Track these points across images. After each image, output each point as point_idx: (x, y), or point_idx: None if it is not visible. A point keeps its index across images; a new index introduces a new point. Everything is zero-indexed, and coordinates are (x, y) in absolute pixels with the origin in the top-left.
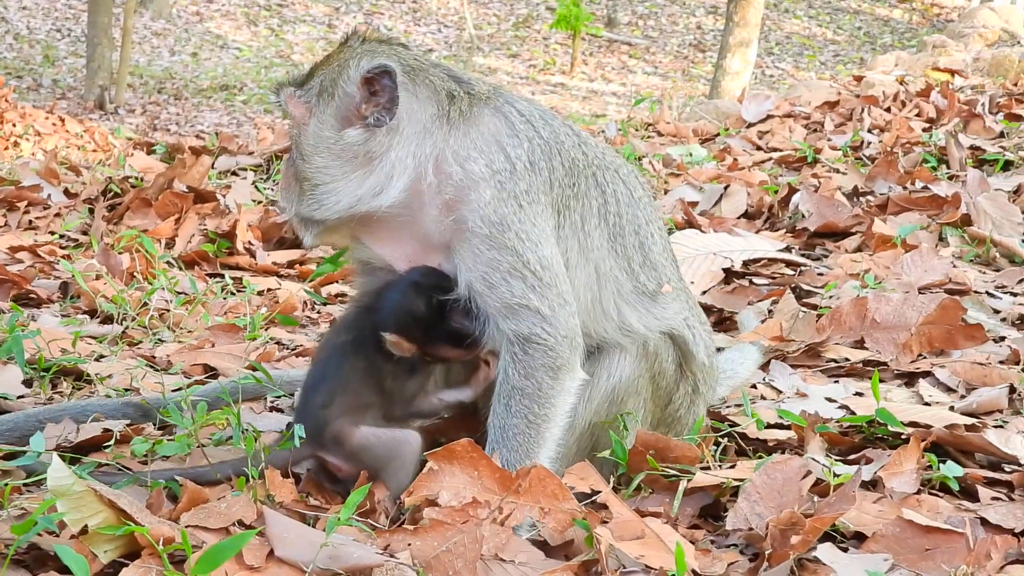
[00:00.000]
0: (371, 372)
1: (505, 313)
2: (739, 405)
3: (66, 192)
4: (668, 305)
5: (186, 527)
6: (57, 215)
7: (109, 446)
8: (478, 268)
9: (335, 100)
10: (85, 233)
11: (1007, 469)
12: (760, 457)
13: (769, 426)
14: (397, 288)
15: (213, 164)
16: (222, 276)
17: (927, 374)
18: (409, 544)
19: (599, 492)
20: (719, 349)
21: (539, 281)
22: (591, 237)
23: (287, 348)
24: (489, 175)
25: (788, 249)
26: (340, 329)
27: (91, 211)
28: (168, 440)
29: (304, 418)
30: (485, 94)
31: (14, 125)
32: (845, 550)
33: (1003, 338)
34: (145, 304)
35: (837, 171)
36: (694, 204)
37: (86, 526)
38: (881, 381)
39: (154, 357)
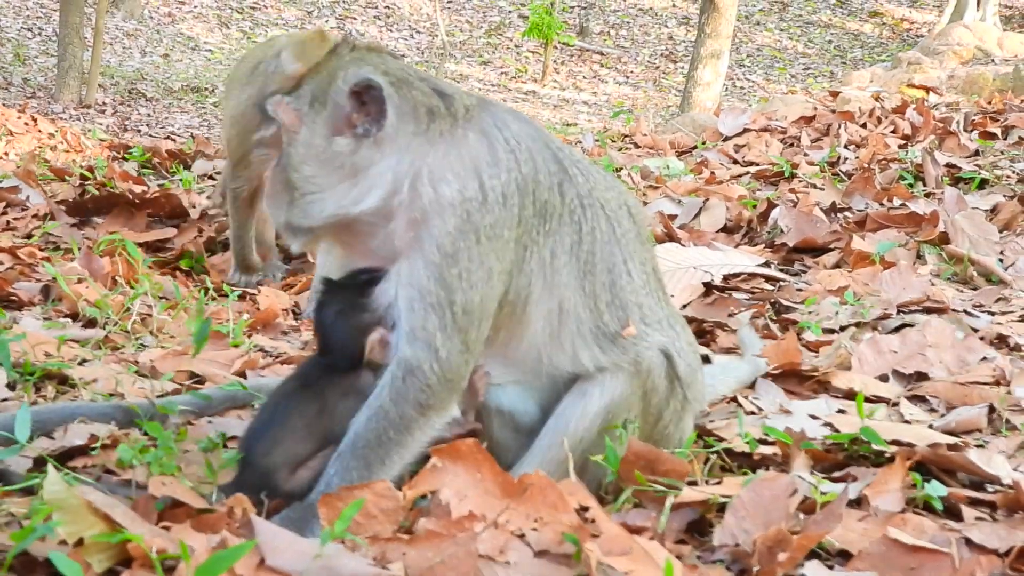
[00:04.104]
0: (321, 413)
1: (407, 337)
2: (724, 419)
3: (44, 194)
4: (629, 347)
5: (175, 537)
6: (35, 216)
7: (96, 449)
8: (410, 289)
9: (326, 109)
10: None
11: (989, 489)
12: (745, 472)
13: (755, 441)
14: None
15: (190, 167)
16: (202, 282)
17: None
18: (404, 554)
19: (587, 508)
20: (706, 361)
21: (454, 323)
22: (559, 273)
23: (271, 356)
24: (459, 202)
25: (767, 264)
26: (290, 375)
27: (69, 213)
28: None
29: (246, 467)
30: (473, 111)
31: None
32: (831, 568)
33: (987, 359)
34: (127, 309)
35: (814, 186)
36: (673, 217)
37: (81, 537)
38: (864, 399)
39: (137, 362)
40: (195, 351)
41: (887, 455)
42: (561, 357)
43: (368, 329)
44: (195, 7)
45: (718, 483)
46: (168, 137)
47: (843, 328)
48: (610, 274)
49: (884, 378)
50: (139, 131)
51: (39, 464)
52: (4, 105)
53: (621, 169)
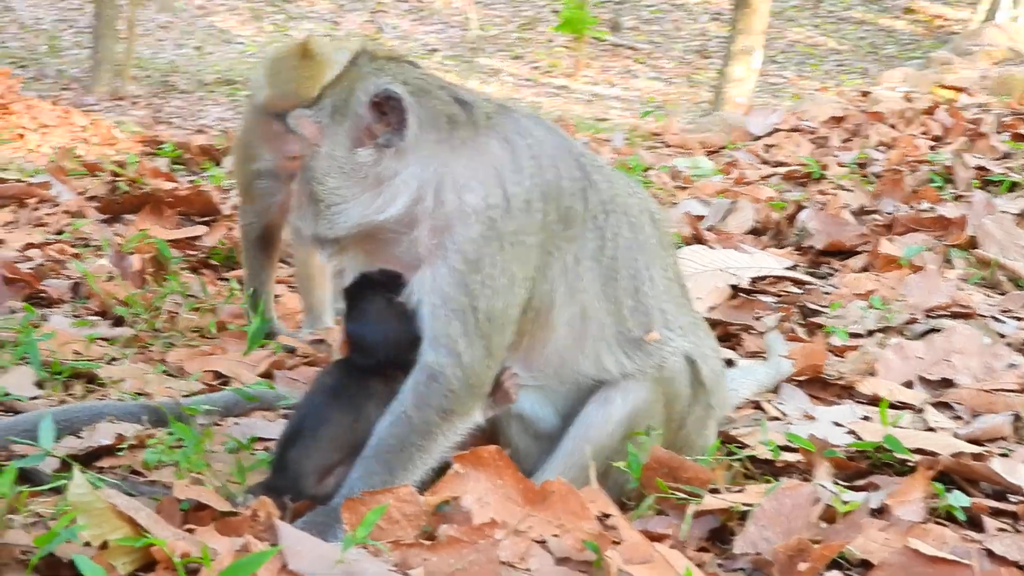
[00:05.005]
0: (356, 423)
1: (430, 343)
2: (748, 426)
3: (75, 190)
4: (653, 353)
5: (199, 540)
6: (66, 212)
7: (123, 450)
8: (433, 296)
9: (347, 121)
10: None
11: (1012, 499)
12: (768, 480)
13: (778, 448)
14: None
15: (220, 163)
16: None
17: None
18: (424, 560)
19: (609, 515)
20: (729, 364)
21: (477, 329)
22: (582, 279)
23: (298, 356)
24: (482, 209)
25: (794, 267)
26: (324, 372)
27: (99, 210)
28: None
29: (278, 470)
30: (494, 118)
31: (20, 116)
32: None
33: (1013, 366)
34: (156, 307)
35: (843, 188)
36: (701, 218)
37: (106, 540)
38: (889, 406)
39: (164, 361)
40: (247, 349)
41: (910, 464)
42: (584, 362)
43: (404, 330)
44: (228, 0)
45: (740, 491)
46: (200, 130)
47: (870, 333)
48: (633, 280)
49: (909, 384)
50: (171, 123)
51: (67, 463)
52: (39, 97)
53: (650, 169)
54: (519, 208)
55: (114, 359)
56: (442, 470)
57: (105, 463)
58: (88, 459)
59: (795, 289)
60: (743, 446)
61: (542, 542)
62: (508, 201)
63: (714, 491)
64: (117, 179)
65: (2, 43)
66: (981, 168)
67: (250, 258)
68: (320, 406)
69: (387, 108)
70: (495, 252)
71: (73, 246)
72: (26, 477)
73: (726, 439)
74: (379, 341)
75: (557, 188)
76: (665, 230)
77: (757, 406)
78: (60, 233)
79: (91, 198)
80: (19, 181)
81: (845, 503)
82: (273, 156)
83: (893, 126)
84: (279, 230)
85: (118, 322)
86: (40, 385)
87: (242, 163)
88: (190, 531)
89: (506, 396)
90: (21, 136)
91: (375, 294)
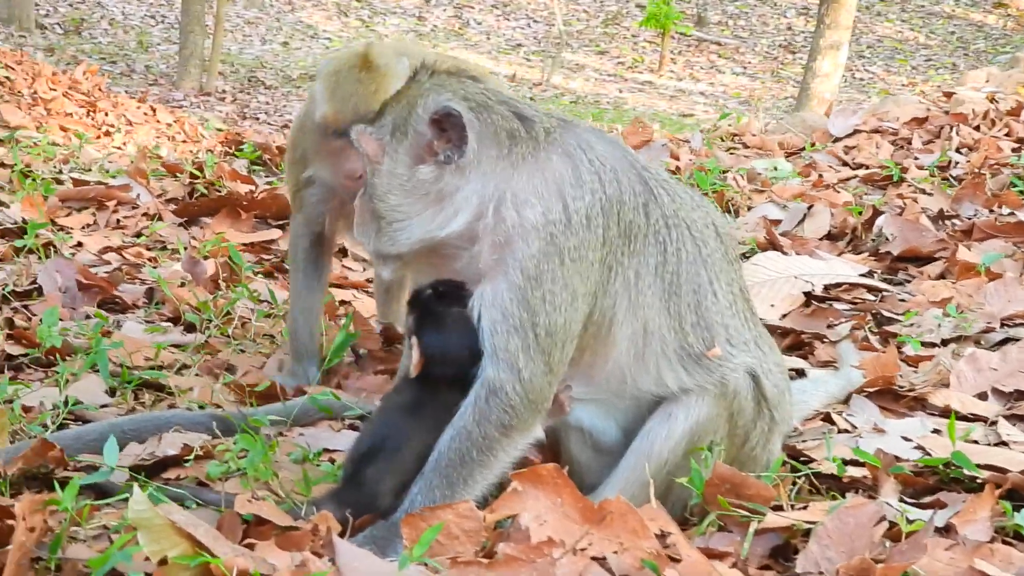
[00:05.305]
0: (437, 434)
1: (491, 358)
2: (816, 440)
3: (153, 193)
4: (715, 368)
5: (257, 556)
6: (145, 215)
7: (189, 461)
8: (493, 311)
9: (407, 138)
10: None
11: None
12: (833, 495)
13: (844, 462)
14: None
15: None
16: None
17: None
18: None
19: (669, 534)
20: (800, 374)
21: (537, 345)
22: (643, 294)
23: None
24: (543, 225)
25: (870, 273)
26: (395, 389)
27: (176, 213)
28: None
29: (351, 486)
30: (555, 133)
31: (106, 114)
32: None
33: None
34: (228, 314)
35: (923, 191)
36: (777, 223)
37: (165, 556)
38: (958, 418)
39: (236, 368)
40: (328, 361)
41: (979, 480)
42: (645, 378)
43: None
44: None
45: (804, 508)
46: (285, 125)
47: (944, 342)
48: (695, 295)
49: (983, 396)
50: (257, 119)
51: (137, 472)
52: (127, 93)
53: (728, 171)
54: (580, 223)
55: (185, 366)
56: (503, 486)
57: (172, 473)
58: (155, 469)
59: (870, 296)
60: (809, 460)
61: (601, 560)
62: (569, 216)
63: (777, 508)
64: (195, 181)
65: (92, 39)
66: None
67: (295, 273)
68: (399, 424)
69: (447, 125)
70: (556, 267)
71: (149, 249)
72: (96, 487)
73: (792, 453)
74: (460, 351)
75: (619, 202)
76: (731, 244)
77: (827, 418)
78: (138, 236)
79: (169, 200)
80: (99, 183)
81: (910, 522)
82: (332, 174)
83: (976, 128)
84: (330, 245)
85: (190, 328)
86: (111, 392)
87: (293, 170)
88: (250, 546)
89: (560, 408)
90: (108, 134)
91: (449, 304)
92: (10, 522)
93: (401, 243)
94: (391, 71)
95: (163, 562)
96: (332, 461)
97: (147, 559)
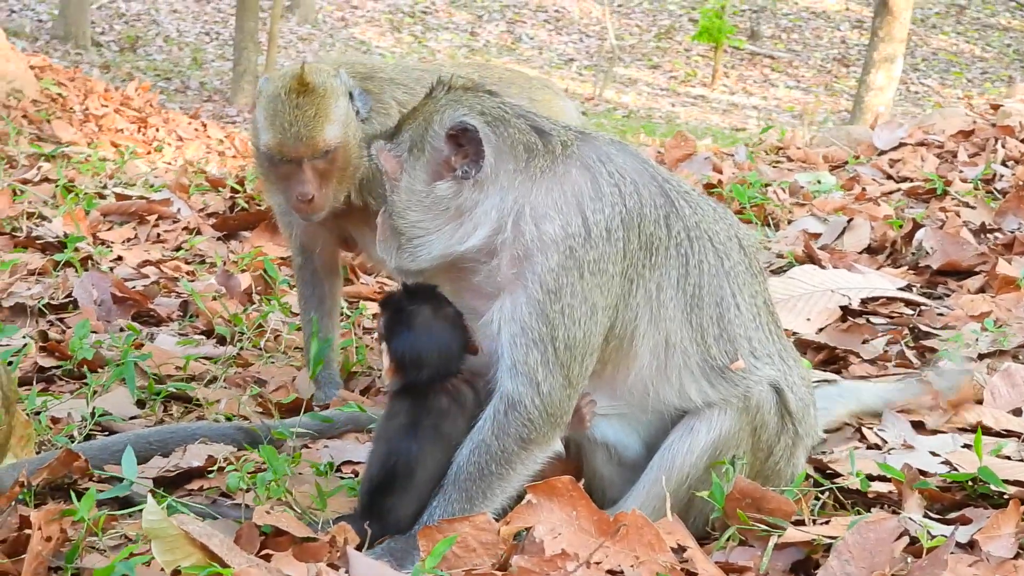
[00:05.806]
0: (442, 447)
1: (509, 371)
2: (843, 452)
3: (192, 207)
4: (738, 382)
5: (271, 567)
6: (185, 229)
7: (213, 472)
8: (512, 324)
9: (424, 155)
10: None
11: None
12: (858, 510)
13: (870, 477)
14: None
15: None
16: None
17: None
18: None
19: (686, 548)
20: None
21: (556, 359)
22: (665, 307)
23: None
24: (562, 239)
25: (909, 287)
26: (387, 416)
27: (215, 227)
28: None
29: (372, 517)
30: (572, 146)
31: (157, 130)
32: None
33: None
34: (260, 326)
35: (966, 205)
36: (816, 236)
37: (178, 567)
38: (990, 433)
39: (265, 381)
40: (312, 373)
41: (1007, 496)
42: (667, 391)
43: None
44: (368, 11)
45: (826, 522)
46: None
47: (980, 357)
48: (718, 307)
49: (1018, 412)
50: None
51: (161, 483)
52: (181, 109)
53: (769, 185)
54: (600, 236)
55: (215, 378)
56: (519, 498)
57: (195, 485)
58: (179, 481)
59: (907, 311)
60: (835, 475)
61: (617, 574)
62: (588, 229)
63: (799, 523)
64: (236, 196)
65: (147, 56)
66: None
67: (302, 290)
68: (404, 448)
69: (464, 140)
70: (575, 281)
71: (188, 263)
72: (119, 498)
73: (818, 467)
74: (430, 351)
75: (639, 215)
76: (755, 256)
77: (859, 431)
78: (177, 250)
79: (210, 215)
80: (141, 198)
81: (932, 537)
82: (286, 198)
83: (1023, 140)
84: (329, 262)
85: (222, 341)
86: (140, 404)
87: (266, 196)
88: (267, 557)
89: (580, 421)
90: (158, 150)
91: (417, 305)
92: (28, 531)
93: (422, 259)
94: (329, 90)
95: (176, 572)
96: (355, 474)
97: (162, 569)
